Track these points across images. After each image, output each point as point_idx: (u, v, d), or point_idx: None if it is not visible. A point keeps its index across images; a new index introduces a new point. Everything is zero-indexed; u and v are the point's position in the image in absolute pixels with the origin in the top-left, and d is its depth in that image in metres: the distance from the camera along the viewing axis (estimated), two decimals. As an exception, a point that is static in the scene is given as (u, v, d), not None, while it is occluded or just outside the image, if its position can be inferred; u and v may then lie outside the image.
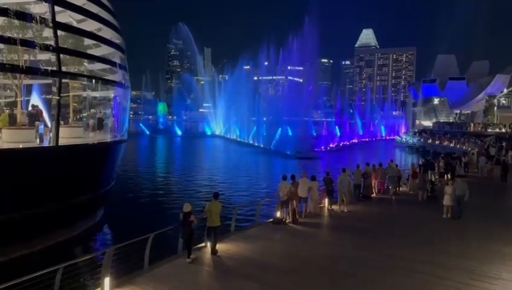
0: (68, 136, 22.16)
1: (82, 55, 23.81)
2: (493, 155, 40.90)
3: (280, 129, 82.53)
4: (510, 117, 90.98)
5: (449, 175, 28.20)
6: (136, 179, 41.47)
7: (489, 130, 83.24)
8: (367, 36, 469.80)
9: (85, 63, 25.22)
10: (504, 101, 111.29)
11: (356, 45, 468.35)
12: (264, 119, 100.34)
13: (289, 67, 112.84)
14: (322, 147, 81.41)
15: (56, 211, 19.28)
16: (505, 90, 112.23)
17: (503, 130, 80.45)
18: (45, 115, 23.89)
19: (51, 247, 18.71)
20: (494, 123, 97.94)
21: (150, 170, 50.36)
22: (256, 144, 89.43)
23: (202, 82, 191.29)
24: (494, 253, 13.70)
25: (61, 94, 20.68)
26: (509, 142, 60.41)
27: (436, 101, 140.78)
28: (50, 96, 22.78)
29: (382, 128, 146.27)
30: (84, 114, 30.44)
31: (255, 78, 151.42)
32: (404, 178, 28.52)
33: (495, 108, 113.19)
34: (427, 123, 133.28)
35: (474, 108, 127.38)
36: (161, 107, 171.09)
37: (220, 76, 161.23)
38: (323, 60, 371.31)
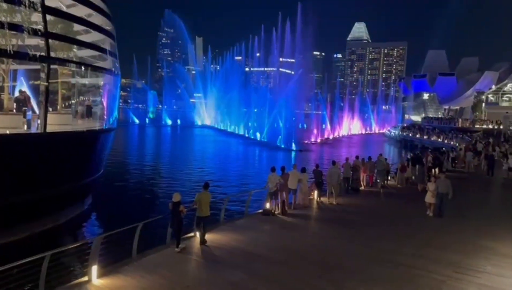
0: (56, 123, 21.87)
1: (71, 40, 23.41)
2: (480, 150, 41.48)
3: (271, 120, 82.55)
4: (497, 113, 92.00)
5: (436, 170, 28.53)
6: (125, 168, 41.24)
7: (477, 126, 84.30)
8: (359, 30, 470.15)
9: (74, 49, 24.83)
10: (492, 98, 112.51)
11: (348, 39, 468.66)
12: (255, 110, 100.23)
13: (281, 59, 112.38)
14: (312, 140, 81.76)
15: (43, 199, 19.08)
16: (494, 87, 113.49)
17: (491, 126, 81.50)
18: (32, 101, 23.53)
19: (37, 235, 18.54)
20: (482, 119, 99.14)
21: (139, 159, 50.07)
22: (246, 135, 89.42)
23: (193, 72, 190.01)
24: (479, 247, 13.90)
25: (50, 80, 20.36)
26: (496, 138, 61.38)
27: (425, 96, 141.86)
28: (38, 82, 22.42)
29: (372, 122, 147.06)
30: (73, 101, 30.07)
31: (247, 69, 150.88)
32: (393, 171, 28.78)
33: (483, 104, 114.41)
34: (416, 118, 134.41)
35: (463, 104, 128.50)
36: (151, 96, 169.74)
37: (212, 65, 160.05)
38: (315, 52, 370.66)
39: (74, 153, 21.61)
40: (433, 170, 28.70)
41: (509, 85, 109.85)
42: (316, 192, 20.59)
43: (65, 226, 20.89)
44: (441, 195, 18.06)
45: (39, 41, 20.72)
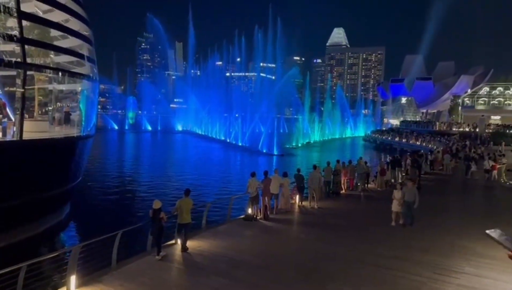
0: (33, 130, 21.42)
1: (48, 46, 23.05)
2: (457, 153, 42.40)
3: (252, 125, 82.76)
4: (473, 116, 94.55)
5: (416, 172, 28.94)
6: (104, 176, 40.59)
7: (454, 129, 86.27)
8: (338, 35, 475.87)
9: (51, 55, 24.43)
10: (468, 101, 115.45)
11: (327, 44, 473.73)
12: (236, 115, 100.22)
13: (262, 64, 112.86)
14: (293, 144, 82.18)
15: (20, 207, 18.63)
16: (469, 91, 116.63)
17: (467, 129, 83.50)
18: (8, 108, 22.99)
19: (14, 245, 18.07)
20: (458, 122, 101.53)
21: (118, 166, 49.39)
22: (228, 140, 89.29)
23: (173, 77, 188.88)
24: (458, 248, 14.16)
25: (26, 87, 19.96)
26: (472, 141, 62.90)
27: (403, 100, 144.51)
28: (14, 89, 21.93)
29: (352, 126, 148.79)
30: (50, 108, 29.50)
31: (227, 74, 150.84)
32: (373, 175, 29.08)
33: (460, 107, 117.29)
34: (395, 121, 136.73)
35: (440, 107, 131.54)
36: (131, 102, 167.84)
37: (192, 71, 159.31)
38: (295, 57, 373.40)
39: (52, 160, 21.19)
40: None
41: (484, 88, 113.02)
42: (297, 197, 20.66)
43: (42, 235, 20.44)
44: (408, 203, 17.17)
45: (14, 47, 20.30)
